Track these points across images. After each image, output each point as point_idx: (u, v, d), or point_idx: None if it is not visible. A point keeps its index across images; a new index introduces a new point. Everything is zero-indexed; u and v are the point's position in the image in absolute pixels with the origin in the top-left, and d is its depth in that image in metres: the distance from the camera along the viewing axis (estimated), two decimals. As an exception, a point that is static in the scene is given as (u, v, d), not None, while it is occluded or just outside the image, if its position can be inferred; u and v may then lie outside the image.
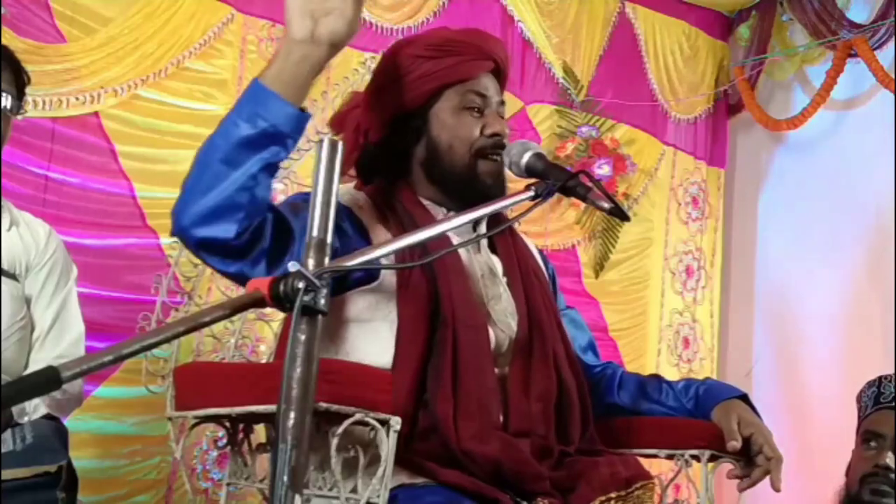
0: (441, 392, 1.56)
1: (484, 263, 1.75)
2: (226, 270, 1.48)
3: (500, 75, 1.80)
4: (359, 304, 1.63)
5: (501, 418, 1.62)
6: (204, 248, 1.45)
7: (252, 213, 1.43)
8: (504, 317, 1.70)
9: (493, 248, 1.80)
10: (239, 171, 1.41)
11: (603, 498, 1.54)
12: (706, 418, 1.78)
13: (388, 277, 1.63)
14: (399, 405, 1.53)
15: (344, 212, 1.66)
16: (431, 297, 1.61)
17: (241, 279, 1.46)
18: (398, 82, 1.73)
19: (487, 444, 1.54)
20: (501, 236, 1.79)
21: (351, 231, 1.64)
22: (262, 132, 1.41)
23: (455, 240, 1.68)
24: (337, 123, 1.84)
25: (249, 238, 1.44)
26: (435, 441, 1.54)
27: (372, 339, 1.61)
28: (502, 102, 1.79)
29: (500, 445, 1.55)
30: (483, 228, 1.77)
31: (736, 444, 1.69)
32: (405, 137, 1.75)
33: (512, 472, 1.54)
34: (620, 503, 1.55)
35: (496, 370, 1.65)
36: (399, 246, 1.28)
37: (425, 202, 1.75)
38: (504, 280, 1.75)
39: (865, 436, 2.30)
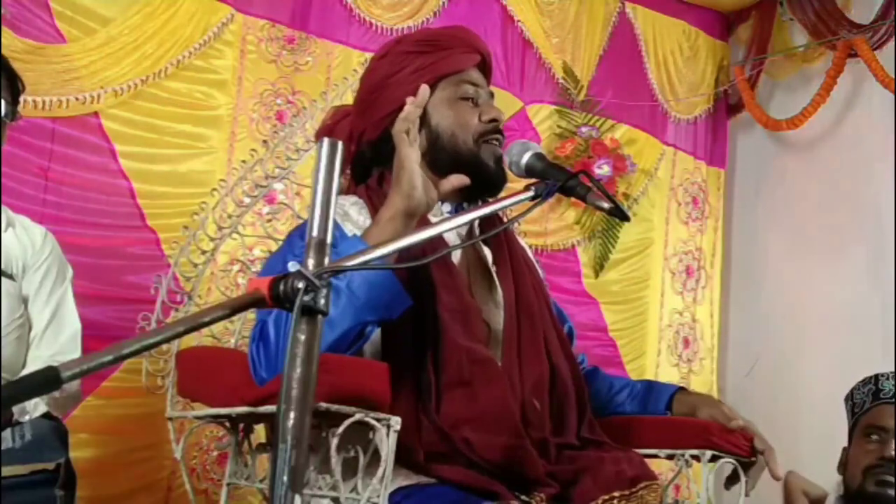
0: (430, 380, 1.57)
1: (472, 253, 1.76)
2: None
3: (485, 69, 1.87)
4: None
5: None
6: None
7: None
8: (492, 304, 1.71)
9: (483, 240, 1.81)
10: None
11: (606, 497, 1.54)
12: (657, 414, 1.86)
13: None
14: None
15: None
16: (410, 285, 1.62)
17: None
18: (391, 79, 1.79)
19: (482, 434, 1.54)
20: (491, 228, 1.81)
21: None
22: None
23: (450, 237, 1.69)
24: (325, 135, 1.85)
25: None
26: (432, 432, 1.54)
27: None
28: (491, 94, 1.86)
29: (500, 436, 1.55)
30: (476, 225, 1.79)
31: (740, 422, 1.78)
32: None
33: (508, 459, 1.54)
34: (624, 502, 1.55)
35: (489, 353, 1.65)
36: (398, 247, 1.28)
37: None
38: (493, 269, 1.77)
39: (867, 430, 2.33)
